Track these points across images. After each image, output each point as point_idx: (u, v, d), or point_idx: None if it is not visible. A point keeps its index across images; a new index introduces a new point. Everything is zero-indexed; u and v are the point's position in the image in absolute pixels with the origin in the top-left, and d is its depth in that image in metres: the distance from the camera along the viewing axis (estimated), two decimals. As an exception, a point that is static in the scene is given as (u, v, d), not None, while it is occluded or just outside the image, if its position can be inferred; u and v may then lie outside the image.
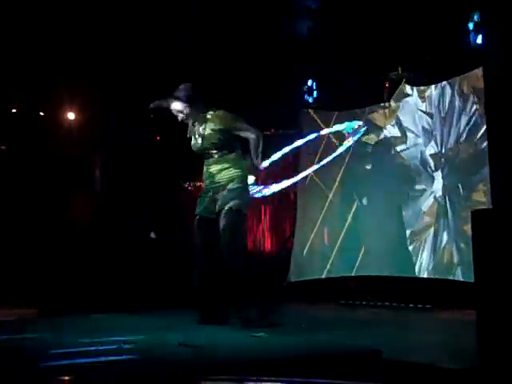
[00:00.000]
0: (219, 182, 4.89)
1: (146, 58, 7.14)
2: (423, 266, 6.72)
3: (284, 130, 8.95)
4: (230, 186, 4.85)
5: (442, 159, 6.76)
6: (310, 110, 8.11)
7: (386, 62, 7.20)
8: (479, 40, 6.28)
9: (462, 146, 6.58)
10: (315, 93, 8.18)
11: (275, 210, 9.35)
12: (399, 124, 7.24)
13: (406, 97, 7.19)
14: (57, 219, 7.81)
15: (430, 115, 6.92)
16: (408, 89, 7.16)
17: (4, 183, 8.14)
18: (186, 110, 4.94)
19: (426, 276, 6.67)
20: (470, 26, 6.35)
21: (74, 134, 8.14)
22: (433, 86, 6.92)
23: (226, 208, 4.78)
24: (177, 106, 4.94)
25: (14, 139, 8.40)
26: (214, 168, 4.93)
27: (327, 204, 7.83)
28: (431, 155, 6.87)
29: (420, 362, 3.38)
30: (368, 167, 7.48)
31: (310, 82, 8.20)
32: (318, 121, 8.00)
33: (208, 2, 6.36)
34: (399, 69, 7.20)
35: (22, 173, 8.05)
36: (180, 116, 4.98)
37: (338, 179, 7.75)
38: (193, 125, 5.02)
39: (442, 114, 6.79)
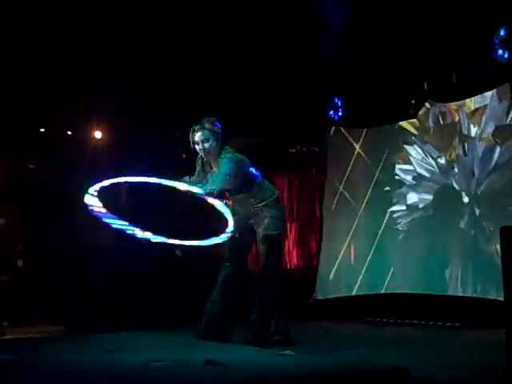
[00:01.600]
0: (255, 209, 4.92)
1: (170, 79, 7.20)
2: (454, 283, 6.62)
3: (309, 147, 8.97)
4: (268, 211, 4.89)
5: (470, 173, 6.70)
6: (342, 128, 8.07)
7: (412, 78, 7.18)
8: (506, 55, 6.23)
9: (490, 162, 6.52)
10: (341, 110, 8.17)
11: (301, 227, 9.33)
12: (426, 140, 7.20)
13: (430, 113, 7.14)
14: (84, 237, 7.87)
15: (456, 131, 6.88)
16: (433, 105, 7.12)
17: (34, 202, 8.24)
18: (212, 141, 4.75)
19: (457, 294, 6.56)
20: (496, 41, 6.31)
21: (102, 153, 8.22)
22: (458, 102, 6.87)
23: (269, 233, 4.86)
24: (201, 136, 4.75)
25: (42, 158, 8.52)
26: (242, 204, 4.96)
27: (357, 220, 7.77)
28: (458, 173, 6.82)
29: (448, 381, 3.34)
30: (398, 183, 7.42)
31: (335, 99, 8.20)
32: (349, 138, 7.96)
33: (233, 19, 6.39)
34: (425, 85, 7.16)
35: (51, 192, 8.14)
36: (203, 148, 4.77)
37: (368, 194, 7.69)
38: (207, 164, 4.90)
39: (468, 131, 6.75)
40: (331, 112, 8.24)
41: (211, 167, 4.88)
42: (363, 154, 7.80)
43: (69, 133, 8.54)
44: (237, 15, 6.34)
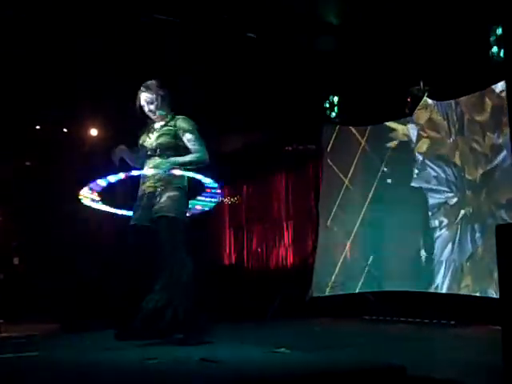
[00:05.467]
0: (156, 187, 4.68)
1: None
2: (450, 281, 6.63)
3: (305, 145, 8.98)
4: (168, 192, 4.64)
5: (464, 174, 6.70)
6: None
7: (408, 76, 7.18)
8: (502, 53, 6.24)
9: (484, 162, 6.51)
10: (336, 108, 8.17)
11: (297, 225, 9.35)
12: (422, 138, 7.20)
13: (427, 111, 7.15)
14: (81, 236, 7.87)
15: (452, 130, 6.87)
16: (429, 103, 7.12)
17: (30, 199, 8.24)
18: (158, 101, 4.79)
19: (453, 292, 6.56)
20: (493, 39, 6.31)
21: (97, 151, 8.22)
22: (455, 100, 6.87)
23: (163, 215, 4.59)
24: (146, 96, 4.80)
25: (39, 155, 8.52)
26: (154, 170, 4.69)
27: (360, 219, 7.75)
28: (453, 172, 6.82)
29: (445, 378, 3.34)
30: (400, 178, 7.40)
31: (331, 97, 8.20)
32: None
33: (231, 16, 6.38)
34: (421, 83, 7.16)
35: (48, 188, 8.13)
36: (149, 107, 4.81)
37: (372, 191, 7.69)
38: (151, 120, 4.88)
39: (464, 129, 6.74)
40: (327, 110, 8.24)
41: (149, 134, 4.83)
42: (368, 148, 7.78)
43: (64, 130, 8.55)
44: (234, 15, 6.33)
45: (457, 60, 6.59)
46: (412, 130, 7.31)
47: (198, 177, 4.62)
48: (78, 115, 8.19)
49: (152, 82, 4.85)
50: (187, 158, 4.73)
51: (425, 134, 7.18)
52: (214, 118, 7.48)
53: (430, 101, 7.10)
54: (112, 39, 6.56)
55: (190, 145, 4.75)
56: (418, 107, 7.20)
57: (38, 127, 8.48)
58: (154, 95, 4.80)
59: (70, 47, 6.67)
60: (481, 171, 6.53)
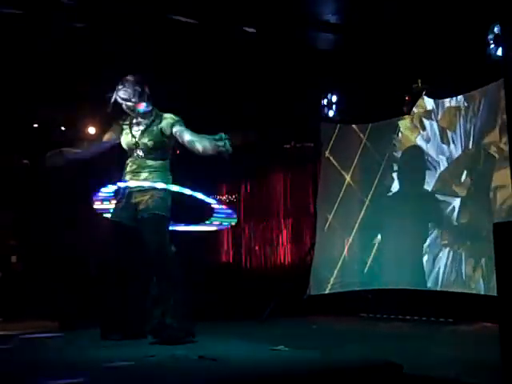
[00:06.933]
0: (143, 186, 4.60)
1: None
2: (448, 278, 6.64)
3: (303, 143, 8.99)
4: (155, 192, 4.57)
5: (461, 171, 6.71)
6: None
7: (406, 75, 7.18)
8: (499, 52, 6.24)
9: (482, 160, 6.51)
10: (335, 106, 8.17)
11: (295, 223, 9.35)
12: (420, 138, 7.20)
13: (425, 110, 7.15)
14: (80, 233, 7.87)
15: (449, 130, 6.88)
16: (428, 101, 7.12)
17: (27, 198, 8.23)
18: (135, 98, 4.63)
19: (450, 289, 6.56)
20: (490, 37, 6.32)
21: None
22: (453, 99, 6.87)
23: (150, 214, 4.55)
24: (124, 93, 4.63)
25: (36, 153, 8.51)
26: (140, 169, 4.68)
27: (361, 216, 7.73)
28: (450, 170, 6.83)
29: (443, 376, 3.35)
30: (400, 176, 7.41)
31: (329, 96, 8.20)
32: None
33: (230, 14, 6.37)
34: (419, 81, 7.17)
35: (45, 188, 8.13)
36: (126, 105, 4.65)
37: (373, 189, 7.70)
38: (133, 117, 4.75)
39: (462, 129, 6.75)
40: (325, 108, 8.23)
41: (130, 132, 4.73)
42: (368, 144, 7.77)
43: (62, 128, 8.54)
44: (233, 12, 6.32)
45: (454, 58, 6.60)
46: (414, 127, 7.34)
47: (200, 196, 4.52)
48: (76, 113, 8.19)
49: (128, 78, 4.68)
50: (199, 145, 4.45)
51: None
52: (212, 116, 7.48)
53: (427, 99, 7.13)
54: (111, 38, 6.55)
55: (184, 135, 4.56)
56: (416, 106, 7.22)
57: (35, 125, 8.48)
58: (131, 91, 4.63)
59: (68, 47, 6.66)
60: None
